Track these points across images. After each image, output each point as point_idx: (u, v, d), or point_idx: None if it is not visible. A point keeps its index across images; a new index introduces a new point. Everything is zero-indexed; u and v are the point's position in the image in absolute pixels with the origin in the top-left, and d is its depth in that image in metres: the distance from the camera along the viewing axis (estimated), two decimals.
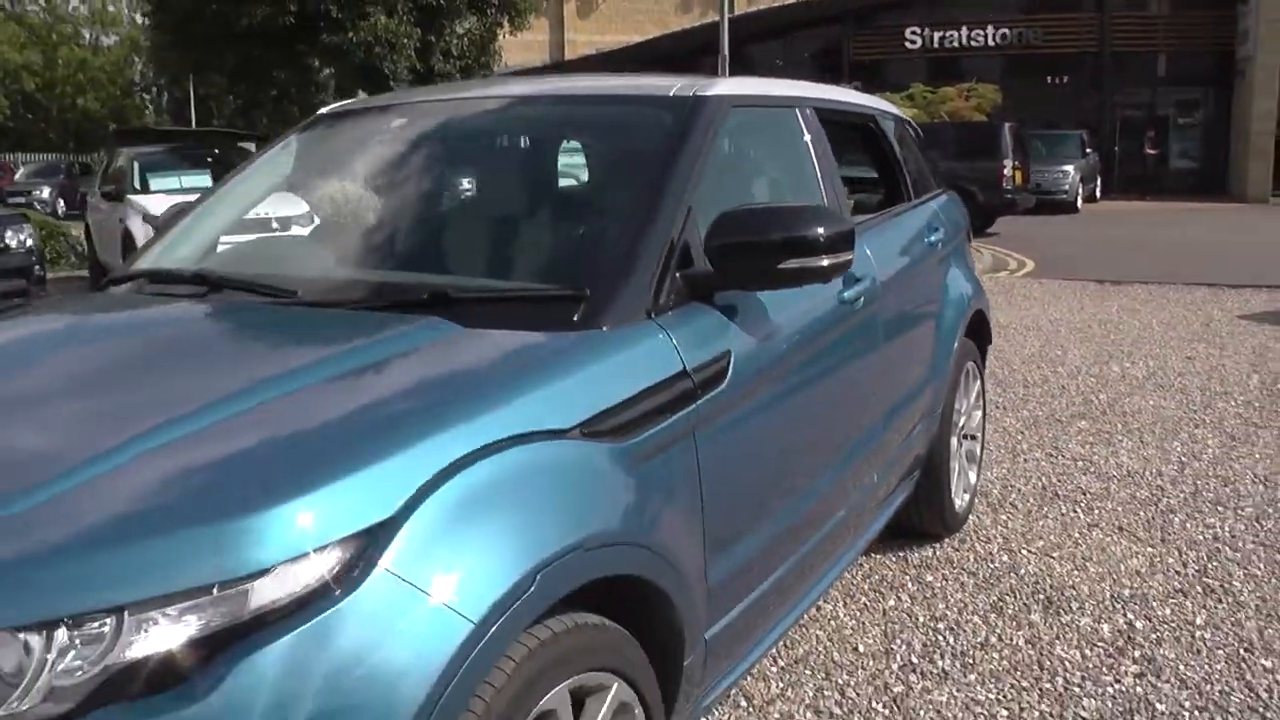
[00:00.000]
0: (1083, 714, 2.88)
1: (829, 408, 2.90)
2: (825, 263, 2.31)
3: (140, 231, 10.14)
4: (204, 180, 11.55)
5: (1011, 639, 3.33)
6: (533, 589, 1.61)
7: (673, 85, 2.74)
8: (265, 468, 1.56)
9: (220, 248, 2.99)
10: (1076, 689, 3.02)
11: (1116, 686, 3.03)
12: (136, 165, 11.08)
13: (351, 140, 3.15)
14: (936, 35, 33.09)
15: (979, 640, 3.32)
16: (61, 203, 22.40)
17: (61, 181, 26.57)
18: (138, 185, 10.89)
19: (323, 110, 3.34)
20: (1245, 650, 3.23)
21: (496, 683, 1.56)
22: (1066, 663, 3.17)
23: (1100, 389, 6.59)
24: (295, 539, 1.43)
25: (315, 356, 1.97)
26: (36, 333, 2.54)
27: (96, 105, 43.27)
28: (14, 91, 40.88)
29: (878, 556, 3.93)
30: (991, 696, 2.99)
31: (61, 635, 1.34)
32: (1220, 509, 4.43)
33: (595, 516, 1.82)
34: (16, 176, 27.11)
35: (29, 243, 9.60)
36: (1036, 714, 2.89)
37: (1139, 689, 3.01)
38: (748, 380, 2.33)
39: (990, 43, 32.40)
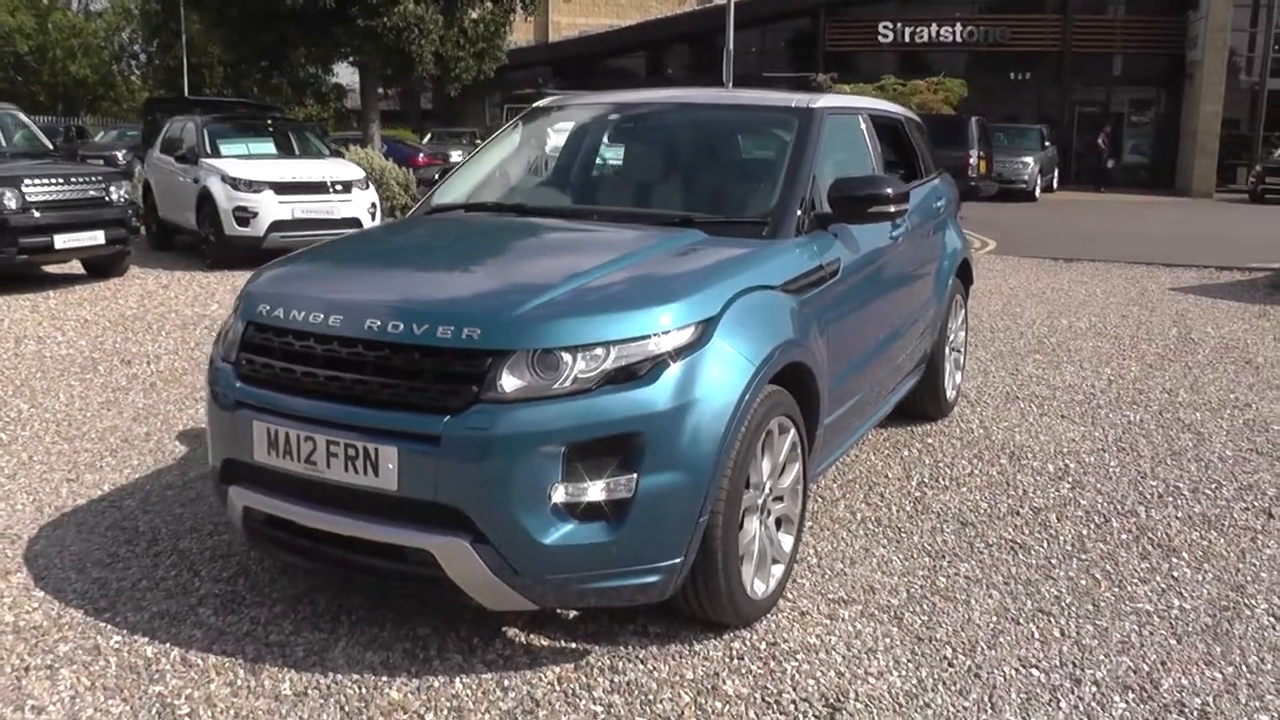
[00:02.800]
0: (1035, 506, 4.55)
1: (883, 303, 4.53)
2: (892, 209, 3.94)
3: (220, 190, 11.36)
4: (268, 146, 12.84)
5: (987, 472, 4.99)
6: (773, 356, 3.21)
7: (793, 99, 4.35)
8: (657, 287, 3.15)
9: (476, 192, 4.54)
10: (1030, 494, 4.69)
11: (1055, 493, 4.71)
12: (207, 132, 12.34)
13: (572, 121, 4.74)
14: (907, 30, 34.87)
15: (967, 472, 4.98)
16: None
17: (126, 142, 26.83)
18: (209, 149, 12.13)
19: (538, 103, 4.91)
20: (1140, 477, 4.94)
21: (756, 403, 3.15)
22: (1024, 483, 4.84)
23: (1051, 335, 8.32)
24: (680, 317, 3.01)
25: (640, 244, 3.53)
26: (431, 231, 4.09)
27: (88, 71, 43.94)
28: (7, 54, 41.53)
29: (892, 428, 5.57)
30: (977, 498, 4.65)
31: (581, 355, 2.89)
32: (1134, 406, 6.15)
33: (790, 329, 3.42)
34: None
35: (126, 197, 10.91)
36: (1004, 507, 4.55)
37: (1070, 494, 4.70)
38: (848, 277, 3.97)
39: (958, 39, 34.27)
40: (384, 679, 3.05)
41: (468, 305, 3.05)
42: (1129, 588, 3.79)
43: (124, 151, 23.38)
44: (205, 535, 4.11)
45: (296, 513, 3.06)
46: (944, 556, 4.02)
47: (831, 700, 3.00)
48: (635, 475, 2.87)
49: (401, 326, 2.93)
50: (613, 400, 2.86)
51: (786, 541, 3.55)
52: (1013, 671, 3.19)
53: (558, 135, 4.78)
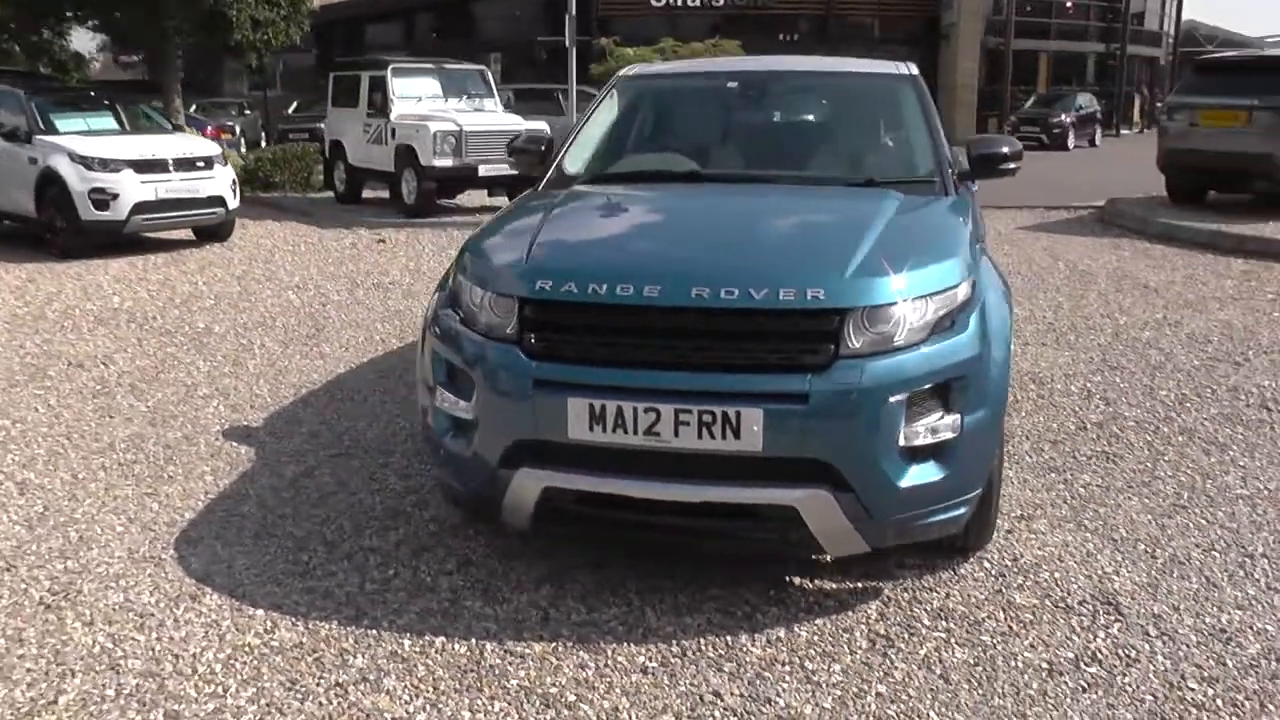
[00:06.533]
0: (1093, 422, 5.14)
1: None
2: (1013, 166, 4.34)
3: (71, 171, 10.18)
4: (108, 122, 11.64)
5: (1030, 397, 5.55)
6: (1008, 301, 3.52)
7: (891, 67, 4.67)
8: (936, 242, 3.36)
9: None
10: (1080, 413, 5.29)
11: (1099, 410, 5.33)
12: (36, 107, 10.99)
13: (669, 93, 4.82)
14: None
15: (1013, 400, 5.52)
16: None
17: None
18: (42, 125, 10.83)
19: (620, 73, 4.94)
20: (1150, 390, 5.66)
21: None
22: (1067, 405, 5.43)
23: None
24: (966, 269, 3.25)
25: (871, 205, 3.65)
26: (649, 198, 4.12)
27: None
28: None
29: None
30: (1044, 419, 5.18)
31: (910, 308, 3.05)
32: (1093, 331, 6.96)
33: (998, 279, 3.71)
34: None
35: None
36: (1072, 425, 5.11)
37: (1111, 410, 5.33)
38: (980, 219, 4.34)
39: (732, 3, 35.48)
40: (734, 638, 3.16)
41: (798, 268, 3.14)
42: (1220, 479, 4.41)
43: None
44: (379, 530, 3.97)
45: (630, 486, 3.07)
46: (1064, 470, 4.50)
47: (1104, 598, 3.39)
48: (959, 415, 3.11)
49: (737, 292, 3.00)
50: (942, 348, 3.09)
51: None
52: (1199, 555, 3.70)
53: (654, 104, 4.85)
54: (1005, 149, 4.29)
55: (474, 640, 3.17)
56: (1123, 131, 37.07)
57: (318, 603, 3.42)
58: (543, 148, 4.72)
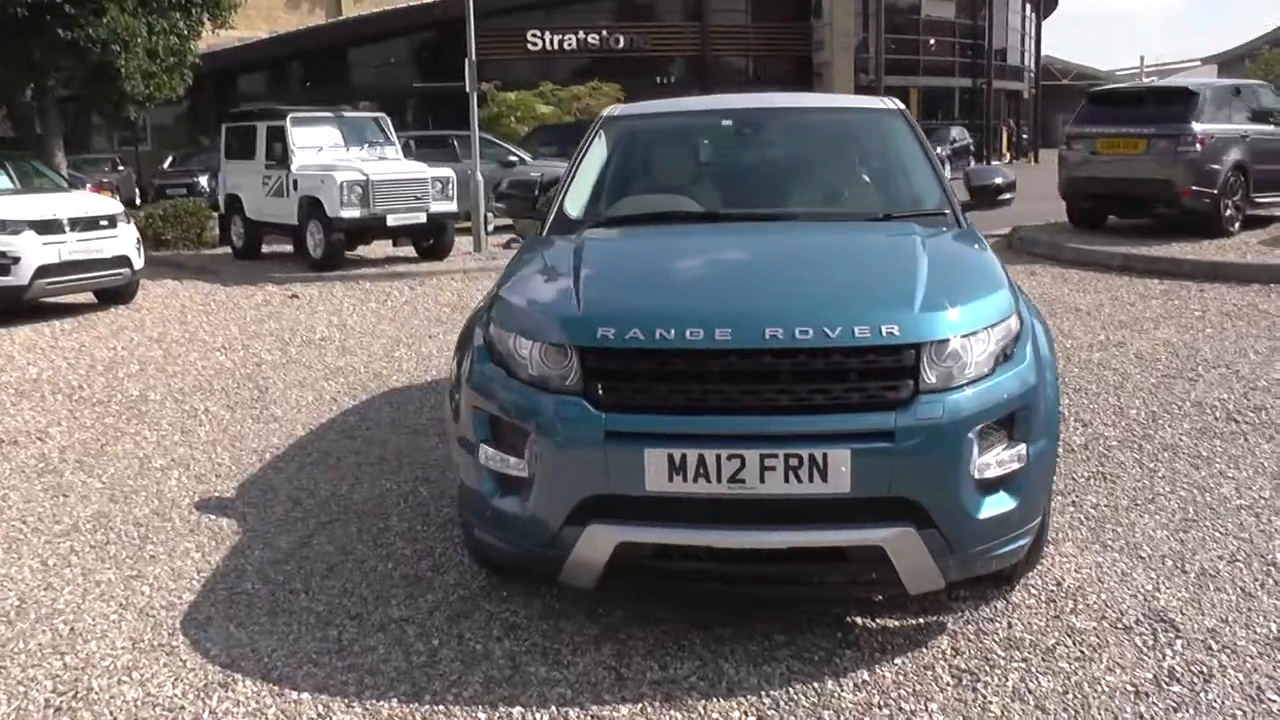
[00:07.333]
0: (1106, 435, 5.28)
1: None
2: (1008, 196, 4.45)
3: None
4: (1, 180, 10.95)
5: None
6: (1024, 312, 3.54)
7: (878, 102, 4.74)
8: (979, 276, 3.39)
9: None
10: (1094, 425, 5.43)
11: (1114, 418, 5.48)
12: None
13: (661, 132, 4.78)
14: (555, 38, 36.07)
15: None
16: None
17: None
18: None
19: (605, 113, 4.88)
20: (1125, 406, 5.85)
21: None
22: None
23: None
24: (1012, 300, 3.30)
25: (903, 240, 3.69)
26: (679, 239, 4.07)
27: None
28: None
29: None
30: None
31: (974, 341, 3.05)
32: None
33: (1028, 310, 3.78)
34: None
35: None
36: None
37: (1122, 406, 5.49)
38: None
39: (606, 46, 35.99)
40: (821, 684, 3.08)
41: (868, 305, 3.11)
42: (1216, 492, 4.54)
43: None
44: (405, 599, 3.76)
45: (712, 537, 2.97)
46: (1069, 493, 4.58)
47: (1156, 616, 3.45)
48: (1024, 444, 3.13)
49: (811, 332, 2.96)
50: (1007, 380, 3.11)
51: None
52: (1226, 567, 3.81)
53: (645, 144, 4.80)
54: (1000, 180, 4.40)
55: (554, 708, 3.01)
56: (993, 163, 38.84)
57: (367, 680, 3.21)
58: (535, 191, 4.63)
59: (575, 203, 4.43)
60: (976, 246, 3.84)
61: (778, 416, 2.94)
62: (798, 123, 4.95)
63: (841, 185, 4.58)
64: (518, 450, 3.21)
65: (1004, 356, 3.17)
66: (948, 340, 3.04)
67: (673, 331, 3.01)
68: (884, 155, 4.68)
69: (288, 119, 13.77)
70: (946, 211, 4.13)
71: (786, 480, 2.89)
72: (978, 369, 3.07)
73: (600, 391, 3.05)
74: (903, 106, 4.72)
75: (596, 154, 4.69)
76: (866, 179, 4.60)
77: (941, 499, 2.96)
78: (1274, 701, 2.96)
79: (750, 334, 2.98)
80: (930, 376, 2.99)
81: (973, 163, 32.94)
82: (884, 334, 2.97)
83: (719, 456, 2.90)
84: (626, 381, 3.05)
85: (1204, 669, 3.13)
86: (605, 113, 4.92)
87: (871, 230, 4.03)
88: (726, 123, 4.91)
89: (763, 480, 2.90)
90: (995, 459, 3.08)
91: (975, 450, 3.01)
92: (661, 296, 3.39)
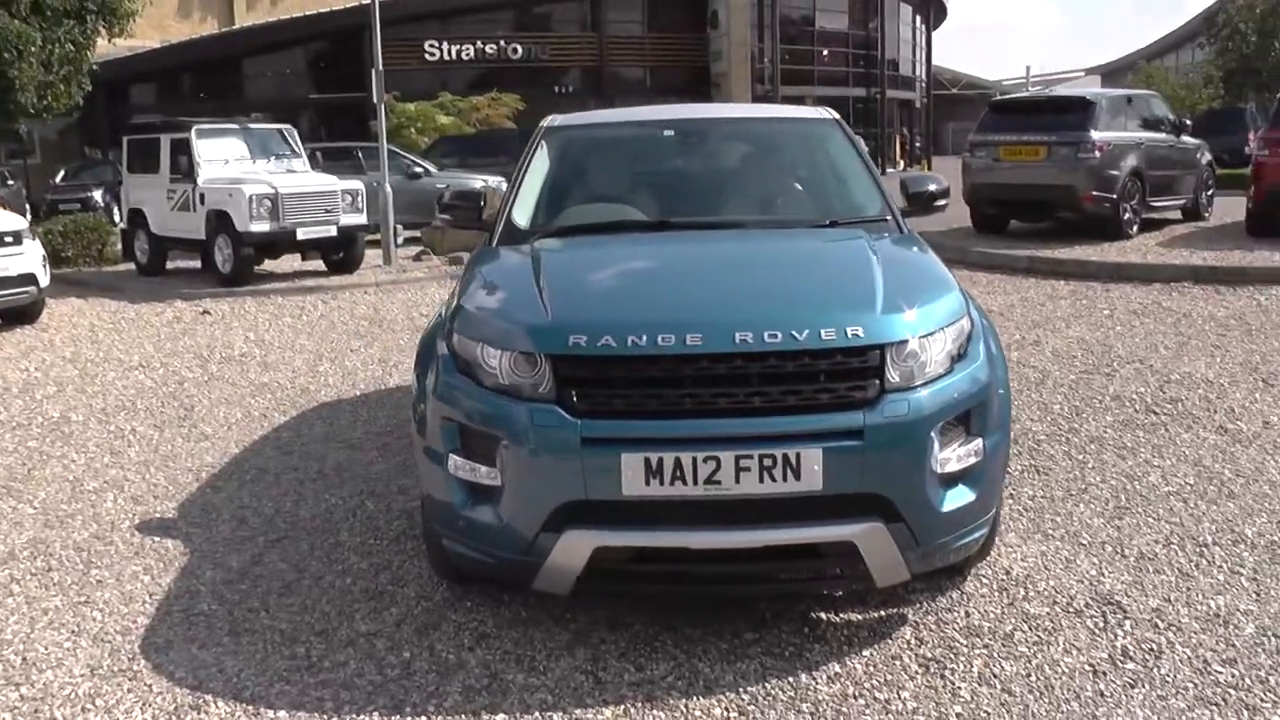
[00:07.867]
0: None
1: None
2: (943, 203, 4.63)
3: None
4: None
5: None
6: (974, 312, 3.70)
7: (811, 112, 4.88)
8: (930, 278, 3.52)
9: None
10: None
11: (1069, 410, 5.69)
12: None
13: (604, 142, 4.82)
14: (453, 48, 35.74)
15: None
16: None
17: None
18: None
19: (545, 123, 4.90)
20: (1049, 406, 6.11)
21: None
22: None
23: None
24: (961, 308, 3.42)
25: (854, 245, 3.83)
26: (630, 247, 4.09)
27: None
28: None
29: None
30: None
31: (932, 342, 3.16)
32: None
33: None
34: None
35: None
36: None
37: (1081, 399, 5.72)
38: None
39: (504, 56, 35.83)
40: (796, 678, 3.15)
41: (830, 308, 3.21)
42: (1144, 480, 4.79)
43: None
44: (369, 613, 3.73)
45: (690, 538, 3.03)
46: (1006, 485, 4.77)
47: (1104, 599, 3.63)
48: (981, 440, 3.27)
49: (780, 335, 3.05)
50: (964, 377, 3.25)
51: None
52: (1162, 550, 4.01)
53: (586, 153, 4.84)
54: (934, 186, 4.57)
55: (537, 714, 3.03)
56: (888, 170, 39.94)
57: (343, 695, 3.18)
58: (482, 203, 4.63)
59: (523, 213, 4.45)
60: (919, 250, 4.00)
61: (751, 418, 3.02)
62: (738, 132, 5.05)
63: (786, 193, 4.70)
64: (489, 459, 3.22)
65: (959, 355, 3.30)
66: (907, 341, 3.16)
67: (644, 338, 3.07)
68: (825, 163, 4.80)
69: (193, 131, 13.40)
70: (888, 218, 4.28)
71: (761, 480, 2.97)
72: (936, 368, 3.20)
73: (574, 398, 3.09)
74: (837, 116, 4.87)
75: (540, 164, 4.71)
76: (810, 186, 4.73)
77: (908, 494, 3.08)
78: (1220, 673, 3.15)
79: (721, 338, 3.06)
80: (894, 376, 3.10)
81: None
82: (849, 335, 3.08)
83: (695, 459, 2.97)
84: (600, 388, 3.10)
85: (1154, 646, 3.30)
86: (545, 123, 4.95)
87: (821, 236, 4.15)
88: (669, 132, 4.98)
89: (738, 481, 2.97)
90: (955, 454, 3.21)
91: (937, 446, 3.14)
92: (630, 303, 3.45)
